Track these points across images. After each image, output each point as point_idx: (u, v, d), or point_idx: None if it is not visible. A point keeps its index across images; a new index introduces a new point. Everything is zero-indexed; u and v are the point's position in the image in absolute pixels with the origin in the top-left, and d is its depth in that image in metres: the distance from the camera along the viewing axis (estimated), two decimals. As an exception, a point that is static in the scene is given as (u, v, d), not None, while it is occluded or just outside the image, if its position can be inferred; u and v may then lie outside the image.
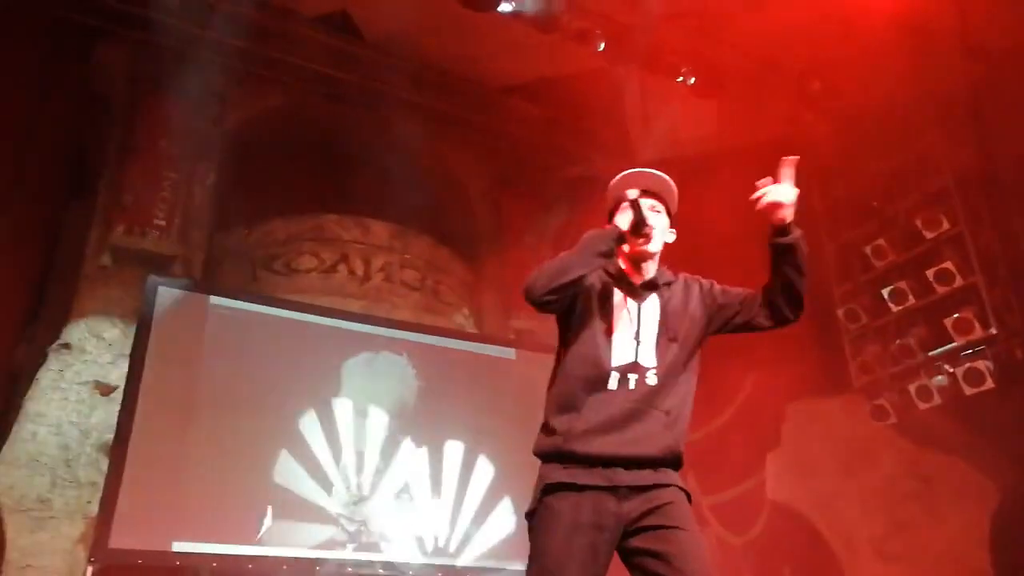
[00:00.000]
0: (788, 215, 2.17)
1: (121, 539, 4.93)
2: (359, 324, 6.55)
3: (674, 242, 2.37)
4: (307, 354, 6.12)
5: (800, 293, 2.20)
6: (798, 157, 2.21)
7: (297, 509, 5.64)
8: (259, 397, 5.81)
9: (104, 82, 6.86)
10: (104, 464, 5.30)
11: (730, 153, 7.30)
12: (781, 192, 2.17)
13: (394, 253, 7.40)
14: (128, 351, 5.62)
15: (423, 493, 6.15)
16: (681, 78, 6.78)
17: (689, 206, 6.99)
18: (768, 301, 2.25)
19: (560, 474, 2.08)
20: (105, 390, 5.72)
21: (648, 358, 2.17)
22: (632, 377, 2.14)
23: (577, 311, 2.22)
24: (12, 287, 6.02)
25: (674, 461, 2.14)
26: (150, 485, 5.16)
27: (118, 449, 5.19)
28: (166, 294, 5.82)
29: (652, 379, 2.15)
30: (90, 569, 4.83)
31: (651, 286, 2.28)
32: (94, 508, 5.21)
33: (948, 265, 5.68)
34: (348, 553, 5.67)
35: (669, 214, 2.34)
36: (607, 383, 2.13)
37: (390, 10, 6.99)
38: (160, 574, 5.52)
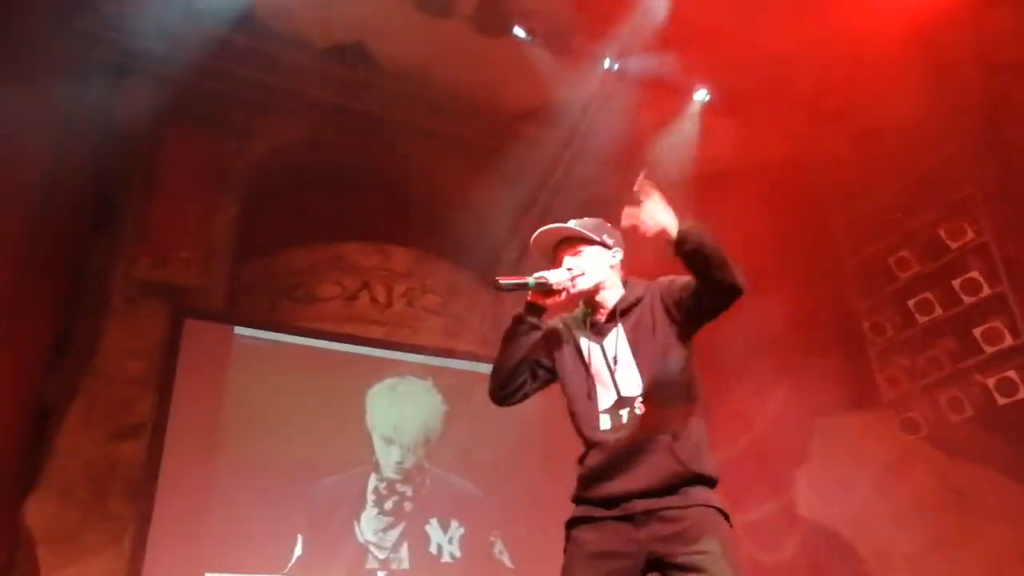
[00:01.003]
0: (656, 228, 2.11)
1: (154, 571, 4.93)
2: (382, 350, 6.56)
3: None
4: (332, 382, 6.14)
5: (723, 281, 2.12)
6: (644, 171, 2.18)
7: (326, 538, 5.61)
8: (285, 426, 5.82)
9: (127, 118, 6.95)
10: (134, 497, 5.28)
11: (747, 171, 7.34)
12: (642, 214, 2.13)
13: (415, 279, 7.43)
14: (155, 383, 5.63)
15: (453, 520, 6.11)
16: (698, 96, 6.83)
17: (709, 223, 7.00)
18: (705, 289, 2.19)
19: (580, 511, 2.16)
20: (134, 423, 5.73)
21: (630, 389, 2.18)
22: (623, 413, 2.17)
23: (559, 370, 2.32)
24: (39, 322, 6.06)
25: (693, 479, 2.09)
26: (181, 517, 5.16)
27: (148, 482, 5.19)
28: (192, 326, 5.86)
29: (640, 408, 2.15)
30: (123, 603, 4.80)
31: (612, 317, 2.28)
32: (126, 542, 5.20)
33: (974, 275, 5.66)
34: (378, 581, 5.63)
35: (603, 243, 2.34)
36: (600, 426, 2.18)
37: (404, 40, 7.07)
38: (192, 607, 5.52)
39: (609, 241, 2.35)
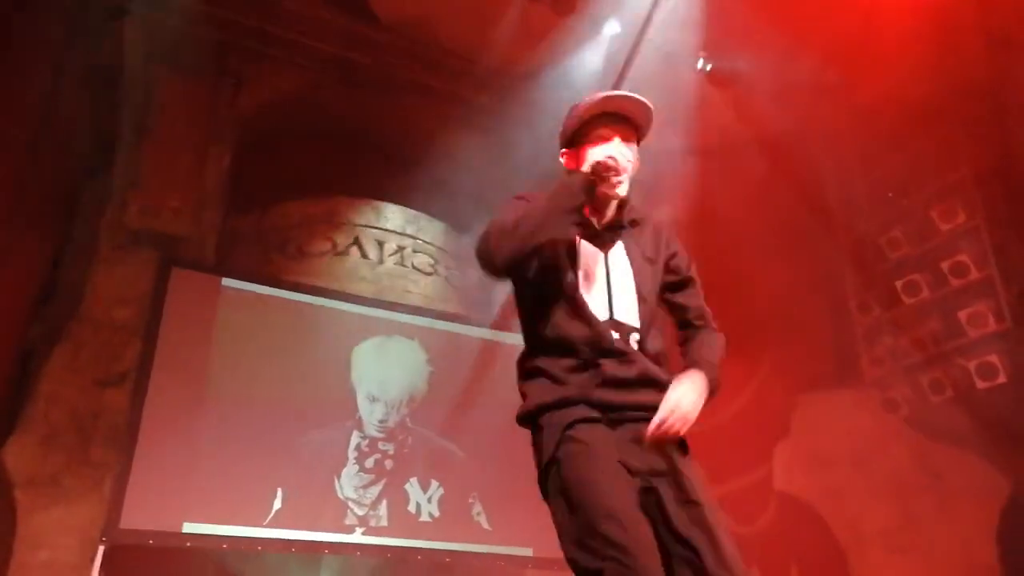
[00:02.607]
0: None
1: (132, 519, 4.98)
2: (371, 308, 6.57)
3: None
4: (319, 337, 6.15)
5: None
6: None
7: (306, 492, 5.67)
8: (270, 380, 5.84)
9: (121, 62, 6.86)
10: (117, 444, 5.33)
11: (747, 144, 7.28)
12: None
13: (407, 238, 7.41)
14: (141, 331, 5.64)
15: (433, 479, 6.17)
16: (700, 64, 6.74)
17: (704, 195, 6.96)
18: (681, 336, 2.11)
19: (582, 412, 1.84)
20: (118, 370, 5.76)
21: (625, 315, 1.96)
22: (631, 337, 1.95)
23: (536, 268, 1.97)
24: (27, 266, 6.05)
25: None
26: (162, 466, 5.20)
27: (130, 430, 5.23)
28: (179, 275, 5.85)
29: (635, 339, 1.95)
30: (101, 548, 4.87)
31: (615, 226, 2.05)
32: (106, 488, 5.26)
33: (963, 258, 5.64)
34: (356, 537, 5.71)
35: (639, 141, 2.07)
36: (606, 340, 1.91)
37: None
38: (171, 555, 5.59)
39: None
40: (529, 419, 1.93)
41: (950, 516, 5.79)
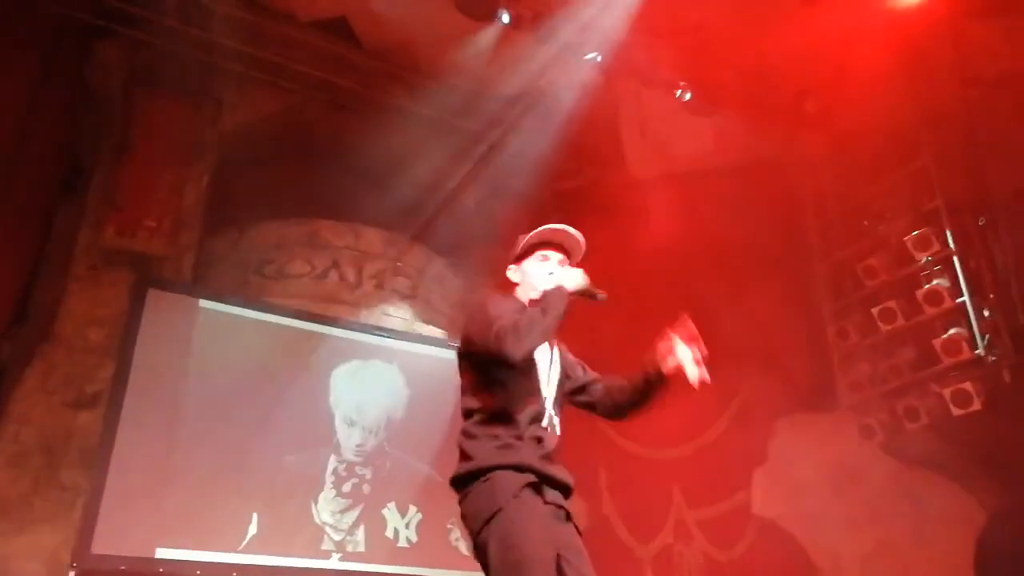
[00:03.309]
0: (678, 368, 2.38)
1: (104, 544, 4.88)
2: (350, 331, 6.53)
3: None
4: (297, 360, 6.09)
5: (632, 414, 2.52)
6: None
7: (282, 517, 5.59)
8: (247, 403, 5.77)
9: (102, 80, 6.82)
10: (88, 467, 5.22)
11: (726, 170, 7.36)
12: (686, 355, 2.36)
13: (387, 260, 7.39)
14: (115, 352, 5.55)
15: (411, 504, 6.11)
16: (679, 93, 6.82)
17: (683, 220, 7.00)
18: (614, 402, 2.53)
19: (522, 479, 2.25)
20: (90, 392, 5.65)
21: (551, 405, 2.44)
22: (551, 418, 2.43)
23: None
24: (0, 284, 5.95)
25: None
26: (134, 490, 5.11)
27: (102, 453, 5.13)
28: (156, 296, 5.77)
29: (557, 423, 2.44)
30: (72, 574, 4.75)
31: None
32: (77, 512, 5.14)
33: (937, 286, 5.73)
34: (333, 562, 5.62)
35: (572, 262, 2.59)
36: (543, 420, 2.39)
37: (389, 19, 6.98)
38: (142, 581, 5.48)
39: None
40: (478, 474, 2.31)
41: (927, 541, 5.83)
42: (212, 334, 5.89)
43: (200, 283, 6.58)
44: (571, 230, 2.53)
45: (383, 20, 7.11)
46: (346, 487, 5.90)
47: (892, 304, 5.96)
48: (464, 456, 2.37)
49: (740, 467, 6.76)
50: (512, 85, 7.89)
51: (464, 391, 2.47)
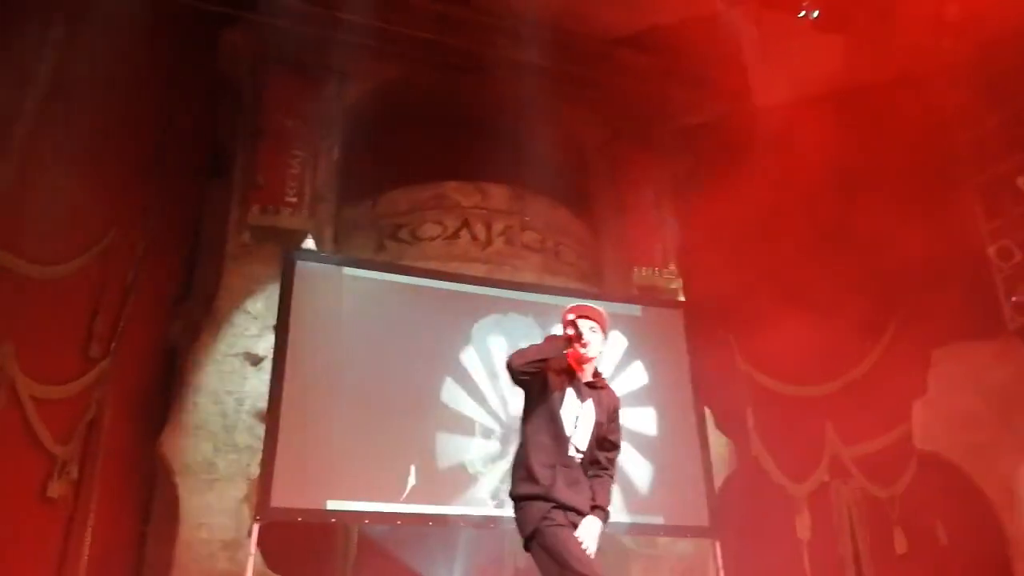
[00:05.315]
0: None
1: (281, 498, 5.23)
2: (484, 288, 6.65)
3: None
4: (439, 318, 6.27)
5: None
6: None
7: (439, 469, 5.83)
8: (397, 362, 6.01)
9: (231, 66, 7.16)
10: (260, 429, 5.62)
11: (859, 90, 6.94)
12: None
13: (513, 216, 7.45)
14: (273, 322, 5.90)
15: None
16: (803, 13, 6.46)
17: (817, 147, 6.64)
18: (590, 461, 3.00)
19: (546, 506, 2.83)
20: (255, 360, 6.06)
21: (580, 443, 2.95)
22: (576, 450, 2.95)
23: (546, 388, 2.98)
24: (164, 269, 6.42)
25: None
26: (303, 448, 5.43)
27: (271, 415, 5.48)
28: (303, 267, 6.06)
29: (578, 459, 2.96)
30: (256, 526, 5.15)
31: (591, 386, 3.06)
32: (254, 470, 5.56)
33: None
34: (489, 509, 5.82)
35: (604, 332, 3.12)
36: (567, 450, 2.93)
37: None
38: (316, 530, 5.88)
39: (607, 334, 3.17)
40: (515, 500, 2.95)
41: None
42: (358, 299, 6.15)
43: (341, 252, 6.88)
44: (593, 304, 3.16)
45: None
46: (494, 436, 6.09)
47: (1062, 216, 5.49)
48: (512, 476, 3.02)
49: (897, 400, 6.46)
50: (625, 24, 7.69)
51: None
